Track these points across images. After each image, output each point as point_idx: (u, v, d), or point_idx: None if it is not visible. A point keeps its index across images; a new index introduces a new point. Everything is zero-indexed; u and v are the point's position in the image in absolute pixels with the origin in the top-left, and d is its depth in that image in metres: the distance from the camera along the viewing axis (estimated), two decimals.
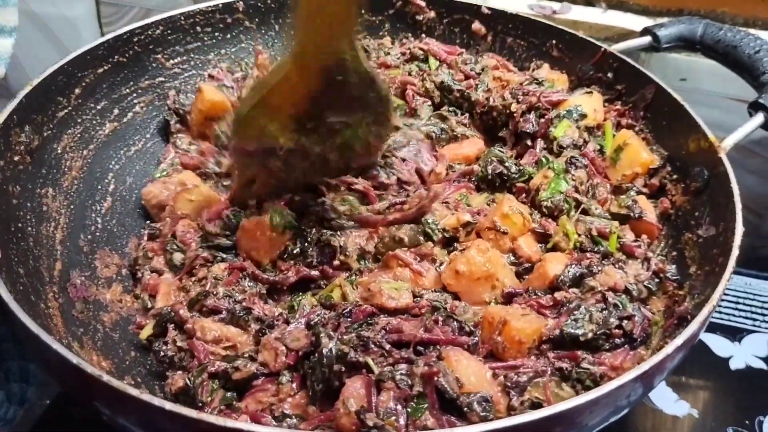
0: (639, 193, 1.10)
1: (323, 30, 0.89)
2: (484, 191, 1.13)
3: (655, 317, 0.93)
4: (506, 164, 1.12)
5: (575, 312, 0.90)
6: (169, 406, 0.70)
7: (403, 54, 1.33)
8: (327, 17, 0.88)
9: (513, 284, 0.98)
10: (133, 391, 0.71)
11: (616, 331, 0.88)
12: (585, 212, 1.05)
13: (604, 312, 0.90)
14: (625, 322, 0.89)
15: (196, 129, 1.24)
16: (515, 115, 1.18)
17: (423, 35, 1.39)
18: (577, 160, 1.10)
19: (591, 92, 1.21)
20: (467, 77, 1.27)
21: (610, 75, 1.23)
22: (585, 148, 1.13)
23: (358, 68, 0.95)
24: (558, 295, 0.93)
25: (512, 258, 1.02)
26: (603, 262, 0.98)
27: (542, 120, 1.16)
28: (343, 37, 0.91)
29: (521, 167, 1.12)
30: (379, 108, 1.01)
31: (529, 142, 1.17)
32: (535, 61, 1.32)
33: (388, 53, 1.34)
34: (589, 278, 0.94)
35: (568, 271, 0.95)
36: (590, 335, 0.88)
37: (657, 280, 0.99)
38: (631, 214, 1.06)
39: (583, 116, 1.16)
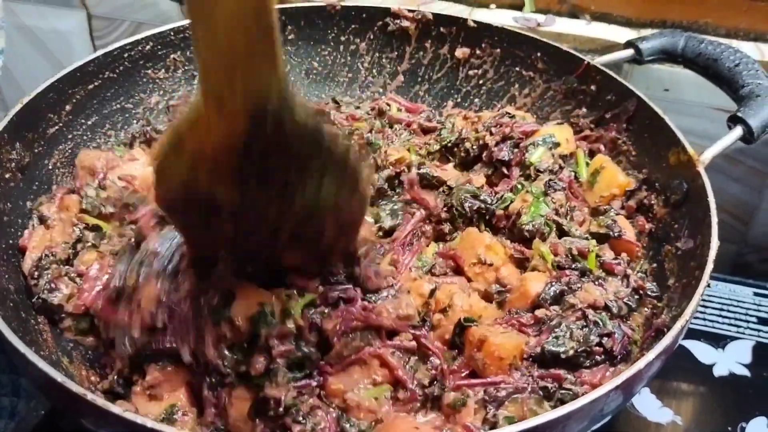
0: (617, 214, 1.09)
1: (233, 67, 0.70)
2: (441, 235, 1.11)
3: (635, 335, 0.93)
4: (481, 197, 1.10)
5: (556, 329, 0.90)
6: (150, 423, 0.71)
7: (372, 109, 1.31)
8: (235, 52, 0.69)
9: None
10: (116, 410, 0.72)
11: (597, 348, 0.88)
12: (565, 233, 1.04)
13: (584, 329, 0.90)
14: (605, 339, 0.89)
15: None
16: (489, 144, 1.17)
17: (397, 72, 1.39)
18: (556, 183, 1.09)
19: (562, 123, 1.22)
20: (429, 131, 1.27)
21: (593, 87, 1.23)
22: (561, 173, 1.12)
23: (294, 119, 0.74)
24: (539, 312, 0.92)
25: (498, 287, 1.00)
26: (582, 279, 0.97)
27: (516, 149, 1.15)
28: (265, 78, 0.71)
29: (500, 194, 1.10)
30: (339, 171, 0.80)
31: (505, 170, 1.15)
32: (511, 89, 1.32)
33: (358, 107, 1.32)
34: (569, 295, 0.94)
35: (549, 289, 0.94)
36: (571, 353, 0.88)
37: (637, 296, 0.98)
38: (611, 233, 1.04)
39: (557, 144, 1.15)
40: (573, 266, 0.99)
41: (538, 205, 1.06)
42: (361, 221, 0.90)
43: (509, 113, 1.22)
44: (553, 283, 0.95)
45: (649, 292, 0.99)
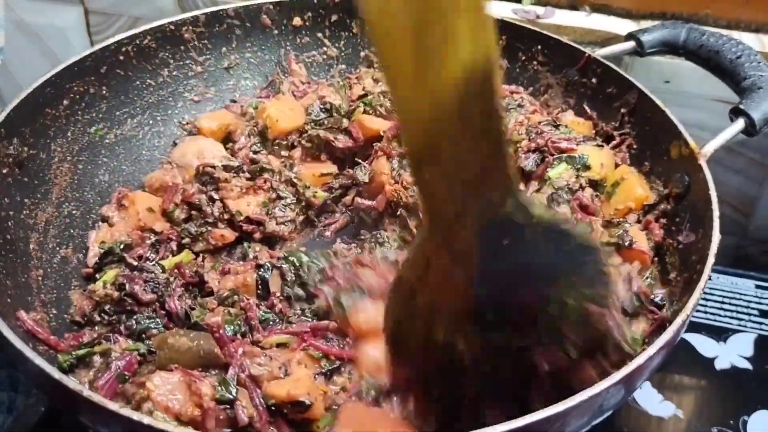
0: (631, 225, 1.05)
1: (462, 198, 0.58)
2: None
3: (636, 337, 0.91)
4: None
5: None
6: (147, 420, 0.70)
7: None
8: (465, 178, 0.57)
9: None
10: (113, 406, 0.70)
11: None
12: None
13: None
14: None
15: None
16: (520, 151, 1.12)
17: None
18: (560, 196, 1.05)
19: (602, 146, 1.14)
20: None
21: (594, 80, 1.21)
22: (579, 192, 1.06)
23: (530, 221, 0.62)
24: None
25: None
26: None
27: (542, 163, 1.10)
28: (499, 198, 0.59)
29: None
30: (589, 273, 0.67)
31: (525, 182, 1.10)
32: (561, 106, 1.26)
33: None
34: None
35: None
36: None
37: (638, 303, 0.94)
38: (621, 242, 1.00)
39: (587, 167, 1.08)
40: None
41: None
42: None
43: (554, 122, 1.16)
44: None
45: (654, 299, 0.95)
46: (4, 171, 1.00)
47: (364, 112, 1.22)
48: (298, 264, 1.01)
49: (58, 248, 1.05)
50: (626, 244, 1.00)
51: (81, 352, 0.92)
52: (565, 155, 1.09)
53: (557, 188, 1.06)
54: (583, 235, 0.67)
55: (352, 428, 0.78)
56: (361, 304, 0.85)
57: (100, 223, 1.11)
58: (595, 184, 1.08)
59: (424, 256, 0.64)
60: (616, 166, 1.13)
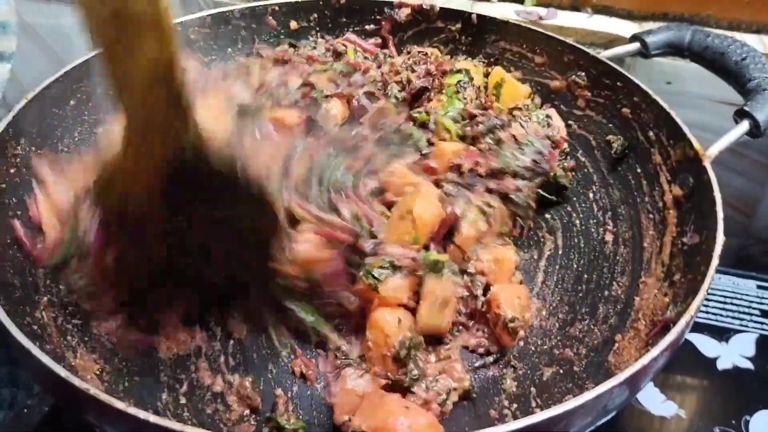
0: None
1: (149, 132, 0.79)
2: None
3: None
4: None
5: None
6: (153, 419, 0.69)
7: (328, 50, 1.33)
8: (150, 119, 0.78)
9: None
10: (119, 405, 0.70)
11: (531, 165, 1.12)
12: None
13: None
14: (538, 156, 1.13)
15: None
16: (412, 79, 1.24)
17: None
18: (464, 82, 1.23)
19: (467, 59, 1.34)
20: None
21: (597, 81, 1.20)
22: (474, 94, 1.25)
23: (210, 165, 0.83)
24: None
25: None
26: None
27: (434, 79, 1.25)
28: (179, 138, 0.80)
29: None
30: (253, 201, 0.88)
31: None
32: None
33: (315, 48, 1.34)
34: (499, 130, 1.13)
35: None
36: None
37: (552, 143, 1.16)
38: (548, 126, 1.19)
39: (471, 78, 1.26)
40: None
41: (452, 102, 1.20)
42: (277, 238, 0.94)
43: (423, 52, 1.30)
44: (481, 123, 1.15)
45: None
46: (12, 171, 0.99)
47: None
48: None
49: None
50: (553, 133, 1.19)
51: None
52: (456, 69, 1.27)
53: (462, 86, 1.23)
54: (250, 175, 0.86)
55: (371, 417, 0.83)
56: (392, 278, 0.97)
57: None
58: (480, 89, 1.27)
59: (122, 160, 0.83)
60: (486, 74, 1.31)
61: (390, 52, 1.35)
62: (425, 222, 1.01)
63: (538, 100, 1.27)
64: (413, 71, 1.26)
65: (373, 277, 0.95)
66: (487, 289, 1.05)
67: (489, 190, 1.10)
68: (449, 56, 1.35)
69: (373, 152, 1.09)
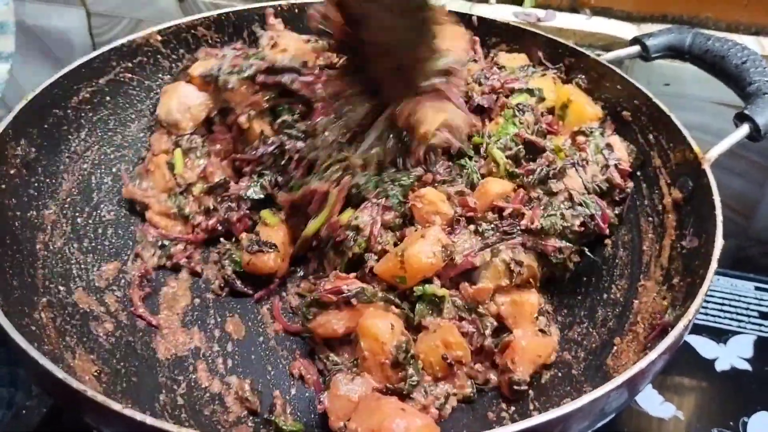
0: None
1: None
2: None
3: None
4: None
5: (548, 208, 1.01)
6: (150, 420, 0.69)
7: None
8: None
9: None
10: (116, 406, 0.70)
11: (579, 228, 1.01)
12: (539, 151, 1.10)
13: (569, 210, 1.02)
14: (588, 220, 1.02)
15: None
16: (475, 93, 1.18)
17: None
18: (525, 105, 1.14)
19: (545, 74, 1.23)
20: None
21: (597, 83, 1.20)
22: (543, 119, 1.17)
23: None
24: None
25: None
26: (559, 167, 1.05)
27: (497, 100, 1.18)
28: None
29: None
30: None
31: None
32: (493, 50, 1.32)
33: None
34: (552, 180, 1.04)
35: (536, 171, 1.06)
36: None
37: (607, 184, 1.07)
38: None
39: (542, 99, 1.18)
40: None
41: (507, 126, 1.12)
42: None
43: (498, 64, 1.24)
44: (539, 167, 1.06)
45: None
46: (12, 172, 0.99)
47: None
48: None
49: (63, 248, 1.03)
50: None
51: None
52: (524, 87, 1.19)
53: (520, 109, 1.15)
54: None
55: (367, 420, 0.82)
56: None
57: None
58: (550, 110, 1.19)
59: None
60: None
61: (473, 55, 1.27)
62: (415, 268, 0.94)
63: (609, 122, 1.17)
64: (480, 84, 1.19)
65: (305, 317, 0.95)
66: (503, 329, 0.98)
67: (524, 245, 1.00)
68: (531, 67, 1.25)
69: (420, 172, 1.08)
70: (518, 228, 1.00)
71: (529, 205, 1.03)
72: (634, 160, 1.11)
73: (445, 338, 0.92)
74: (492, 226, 1.01)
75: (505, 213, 1.02)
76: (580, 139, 1.11)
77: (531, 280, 0.99)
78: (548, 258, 1.00)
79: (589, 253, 1.04)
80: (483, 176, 1.10)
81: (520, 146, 1.09)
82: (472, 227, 1.01)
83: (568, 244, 1.00)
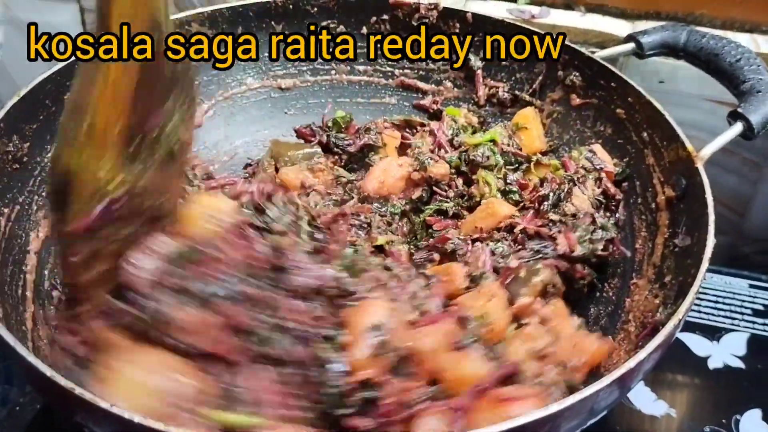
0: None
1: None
2: None
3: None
4: None
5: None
6: (138, 418, 0.68)
7: None
8: None
9: None
10: (104, 404, 0.68)
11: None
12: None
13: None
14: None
15: None
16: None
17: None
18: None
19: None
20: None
21: (590, 80, 1.19)
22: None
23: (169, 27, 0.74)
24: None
25: None
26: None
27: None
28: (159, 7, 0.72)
29: None
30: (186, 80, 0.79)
31: None
32: None
33: None
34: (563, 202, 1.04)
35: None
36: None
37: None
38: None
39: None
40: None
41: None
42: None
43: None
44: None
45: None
46: (4, 168, 0.98)
47: None
48: None
49: (56, 245, 1.02)
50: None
51: None
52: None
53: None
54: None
55: None
56: None
57: None
58: None
59: (102, 71, 0.71)
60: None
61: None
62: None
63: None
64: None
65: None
66: None
67: (558, 268, 0.99)
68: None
69: None
70: (553, 251, 1.00)
71: (553, 228, 1.02)
72: (619, 173, 1.11)
73: None
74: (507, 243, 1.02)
75: (517, 230, 1.03)
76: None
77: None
78: (571, 282, 1.01)
79: (596, 279, 1.05)
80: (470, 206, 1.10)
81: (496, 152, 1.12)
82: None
83: (591, 270, 1.02)
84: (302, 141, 1.27)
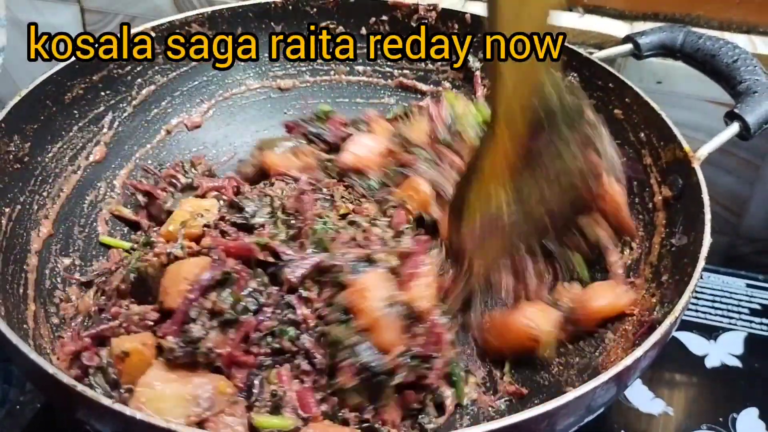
0: None
1: (527, 76, 0.84)
2: None
3: None
4: None
5: None
6: (140, 416, 0.68)
7: None
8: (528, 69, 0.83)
9: None
10: (106, 401, 0.69)
11: None
12: None
13: None
14: None
15: None
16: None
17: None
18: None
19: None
20: None
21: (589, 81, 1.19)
22: None
23: (558, 88, 0.87)
24: None
25: None
26: None
27: None
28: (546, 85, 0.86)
29: None
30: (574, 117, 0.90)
31: None
32: None
33: None
34: None
35: None
36: None
37: None
38: None
39: None
40: None
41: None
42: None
43: None
44: None
45: None
46: (4, 168, 0.98)
47: None
48: None
49: (57, 245, 1.03)
50: None
51: None
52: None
53: None
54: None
55: None
56: None
57: None
58: None
59: (492, 141, 0.85)
60: None
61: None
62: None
63: None
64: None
65: None
66: None
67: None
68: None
69: None
70: None
71: None
72: None
73: None
74: None
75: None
76: None
77: None
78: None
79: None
80: None
81: None
82: None
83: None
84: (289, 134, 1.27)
